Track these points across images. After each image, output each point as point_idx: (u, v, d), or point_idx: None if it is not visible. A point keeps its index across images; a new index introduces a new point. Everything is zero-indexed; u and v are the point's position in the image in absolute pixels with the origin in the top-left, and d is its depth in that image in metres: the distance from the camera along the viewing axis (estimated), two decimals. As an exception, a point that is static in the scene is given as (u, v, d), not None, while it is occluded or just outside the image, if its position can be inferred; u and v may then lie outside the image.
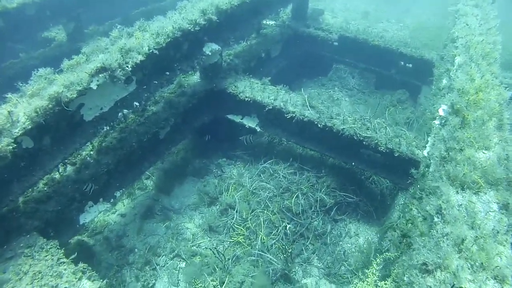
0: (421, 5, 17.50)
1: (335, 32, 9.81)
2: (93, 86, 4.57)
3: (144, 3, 12.46)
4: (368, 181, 7.00)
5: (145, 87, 5.51)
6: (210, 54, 6.37)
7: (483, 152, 3.82)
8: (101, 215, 6.59)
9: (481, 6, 7.63)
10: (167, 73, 5.80)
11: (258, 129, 6.96)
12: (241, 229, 6.27)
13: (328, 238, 6.37)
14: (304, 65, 10.24)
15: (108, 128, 5.52)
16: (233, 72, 7.39)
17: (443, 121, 5.28)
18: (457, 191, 3.57)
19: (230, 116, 7.23)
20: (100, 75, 4.61)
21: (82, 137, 4.95)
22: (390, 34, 13.83)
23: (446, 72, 6.52)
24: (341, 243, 6.42)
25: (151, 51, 5.14)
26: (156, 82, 5.67)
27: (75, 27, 10.06)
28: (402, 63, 9.65)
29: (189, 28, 5.67)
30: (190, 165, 7.66)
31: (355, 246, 6.38)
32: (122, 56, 4.84)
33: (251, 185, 6.91)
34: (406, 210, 5.28)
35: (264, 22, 9.83)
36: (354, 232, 6.64)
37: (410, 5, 17.45)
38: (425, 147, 5.86)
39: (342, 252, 6.20)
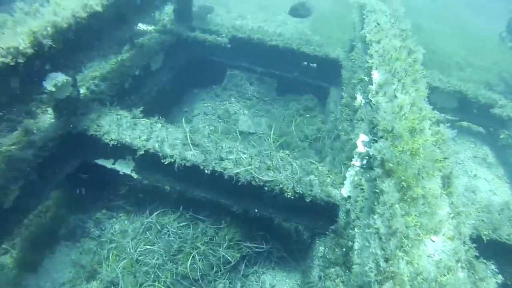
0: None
1: (225, 33, 8.38)
2: None
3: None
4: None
5: None
6: (54, 90, 4.66)
7: (431, 240, 2.57)
8: None
9: (387, 2, 6.59)
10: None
11: (134, 175, 5.40)
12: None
13: (240, 300, 5.10)
14: (193, 74, 8.72)
15: None
16: (98, 102, 5.74)
17: (364, 162, 4.09)
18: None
19: (100, 161, 5.58)
20: None
21: None
22: (290, 28, 12.73)
23: (360, 84, 5.38)
24: (256, 301, 5.20)
25: None
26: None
27: None
28: (306, 63, 8.52)
29: (6, 62, 3.94)
30: (63, 224, 5.86)
31: (274, 303, 5.19)
32: None
33: (136, 250, 5.35)
34: (330, 278, 4.11)
35: (141, 27, 8.19)
36: (269, 285, 5.41)
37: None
38: (343, 184, 4.72)
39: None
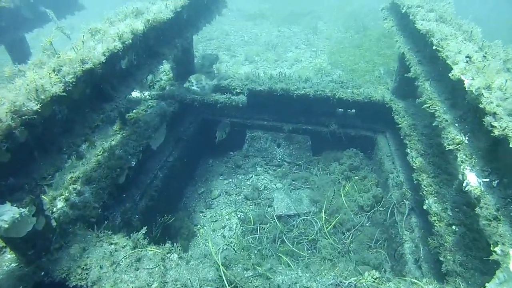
0: (327, 22, 15.11)
1: (240, 88, 6.67)
2: None
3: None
4: None
5: None
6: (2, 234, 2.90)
7: None
8: None
9: (448, 21, 4.84)
10: None
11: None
12: None
13: None
14: (205, 142, 6.94)
15: None
16: (82, 223, 3.98)
17: None
18: None
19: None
20: None
21: None
22: (305, 64, 11.07)
23: (462, 152, 3.56)
24: None
25: None
26: None
27: None
28: (341, 110, 6.78)
29: None
30: None
31: None
32: None
33: None
34: None
35: (133, 95, 6.49)
36: None
37: (316, 22, 14.95)
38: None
39: None
